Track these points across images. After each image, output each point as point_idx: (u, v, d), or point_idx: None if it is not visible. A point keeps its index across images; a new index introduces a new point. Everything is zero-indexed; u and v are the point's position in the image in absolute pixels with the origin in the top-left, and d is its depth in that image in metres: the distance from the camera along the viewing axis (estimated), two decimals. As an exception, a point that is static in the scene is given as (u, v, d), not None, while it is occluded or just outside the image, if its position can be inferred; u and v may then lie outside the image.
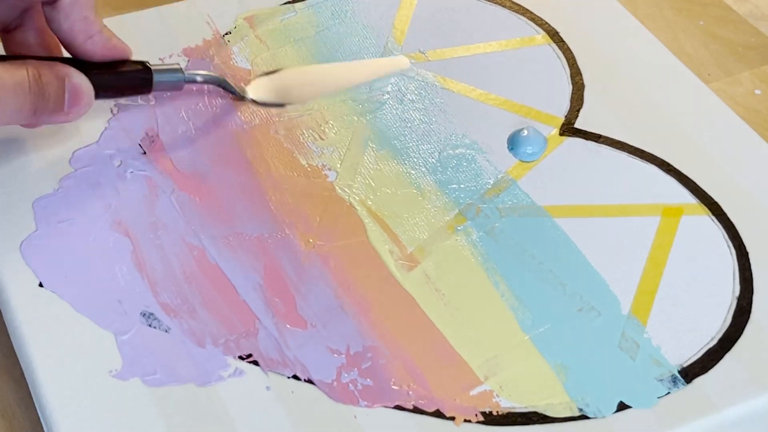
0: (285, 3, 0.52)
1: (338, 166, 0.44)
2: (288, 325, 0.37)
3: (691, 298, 0.40)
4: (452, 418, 0.35)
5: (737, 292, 0.40)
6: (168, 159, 0.43)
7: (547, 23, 0.52)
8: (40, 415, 0.36)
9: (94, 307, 0.38)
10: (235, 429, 0.34)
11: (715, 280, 0.40)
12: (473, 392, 0.36)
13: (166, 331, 0.37)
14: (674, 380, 0.37)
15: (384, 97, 0.47)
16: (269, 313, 0.38)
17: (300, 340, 0.37)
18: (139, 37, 0.49)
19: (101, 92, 0.41)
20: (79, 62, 0.40)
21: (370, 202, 0.42)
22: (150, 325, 0.37)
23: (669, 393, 0.36)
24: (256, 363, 0.36)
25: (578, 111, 0.47)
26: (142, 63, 0.42)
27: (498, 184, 0.44)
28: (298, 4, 0.52)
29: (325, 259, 0.40)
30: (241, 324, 0.37)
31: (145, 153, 0.44)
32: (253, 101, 0.45)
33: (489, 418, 0.35)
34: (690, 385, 0.37)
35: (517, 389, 0.36)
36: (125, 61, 0.42)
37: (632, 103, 0.48)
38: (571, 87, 0.49)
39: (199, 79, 0.44)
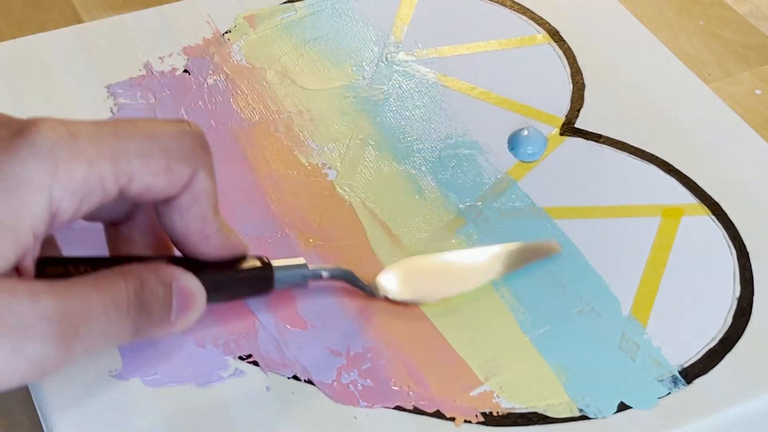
0: (285, 2, 0.52)
1: (338, 164, 0.44)
2: (288, 326, 0.37)
3: (692, 298, 0.40)
4: (452, 419, 0.35)
5: (738, 293, 0.40)
6: (168, 158, 0.43)
7: (547, 22, 0.52)
8: (40, 415, 0.35)
9: (94, 307, 0.38)
10: (234, 429, 0.34)
11: (715, 281, 0.40)
12: (473, 393, 0.36)
13: (166, 332, 0.37)
14: (675, 381, 0.37)
15: (384, 95, 0.47)
16: (269, 313, 0.38)
17: (300, 341, 0.37)
18: (139, 37, 0.49)
19: (214, 294, 0.34)
20: (187, 261, 0.34)
21: (369, 202, 0.42)
22: (150, 325, 0.37)
23: (669, 393, 0.36)
24: (256, 363, 0.36)
25: (579, 111, 0.47)
26: (261, 259, 0.36)
27: (498, 185, 0.44)
28: (297, 3, 0.52)
29: (325, 260, 0.40)
30: (241, 324, 0.37)
31: (144, 152, 0.44)
32: (386, 299, 0.39)
33: (489, 419, 0.35)
34: (690, 386, 0.36)
35: (517, 390, 0.36)
36: (241, 258, 0.35)
37: (633, 102, 0.48)
38: (571, 86, 0.49)
39: (324, 274, 0.37)
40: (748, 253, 0.41)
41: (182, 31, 0.50)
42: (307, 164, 0.44)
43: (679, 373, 0.37)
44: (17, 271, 0.29)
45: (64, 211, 0.29)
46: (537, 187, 0.44)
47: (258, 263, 0.35)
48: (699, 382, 0.37)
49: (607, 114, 0.47)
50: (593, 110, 0.47)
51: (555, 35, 0.52)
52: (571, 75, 0.49)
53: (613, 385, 0.36)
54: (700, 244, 0.42)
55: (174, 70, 0.48)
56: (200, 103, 0.46)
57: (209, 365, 0.36)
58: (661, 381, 0.37)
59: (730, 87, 0.52)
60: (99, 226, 0.36)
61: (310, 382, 0.36)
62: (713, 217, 0.43)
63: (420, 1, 0.53)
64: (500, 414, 0.35)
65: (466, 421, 0.35)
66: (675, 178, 0.45)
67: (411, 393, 0.36)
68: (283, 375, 0.36)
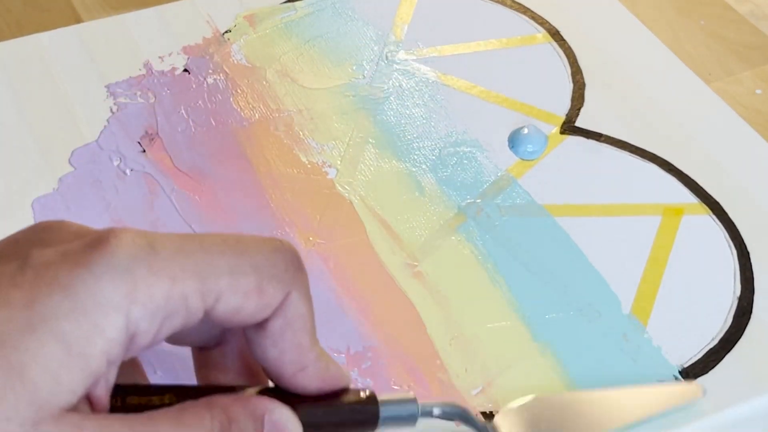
0: (285, 1, 0.52)
1: (338, 162, 0.44)
2: (288, 325, 0.37)
3: (692, 298, 0.39)
4: (452, 419, 0.35)
5: (738, 293, 0.40)
6: (167, 157, 0.43)
7: (547, 22, 0.52)
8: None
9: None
10: (234, 429, 0.34)
11: (716, 280, 0.40)
12: (473, 392, 0.36)
13: (166, 331, 0.37)
14: (675, 380, 0.37)
15: (384, 94, 0.47)
16: (269, 312, 0.38)
17: (300, 340, 0.37)
18: (138, 37, 0.49)
19: (311, 431, 0.30)
20: (282, 392, 0.30)
21: (370, 200, 0.42)
22: (149, 325, 0.37)
23: (670, 393, 0.36)
24: (255, 362, 0.36)
25: (579, 109, 0.47)
26: (365, 392, 0.31)
27: (498, 183, 0.44)
28: (297, 3, 0.52)
29: (325, 258, 0.40)
30: (241, 323, 0.37)
31: (144, 151, 0.44)
32: None
33: (489, 418, 0.35)
34: (691, 386, 0.36)
35: (517, 389, 0.36)
36: (344, 391, 0.31)
37: (633, 102, 0.48)
38: (571, 85, 0.49)
39: (436, 411, 0.32)
40: (748, 253, 0.41)
41: (182, 30, 0.50)
42: (307, 163, 0.44)
43: (680, 372, 0.37)
44: (89, 401, 0.26)
45: (143, 333, 0.26)
46: (537, 186, 0.43)
47: (363, 397, 0.31)
48: (700, 381, 0.37)
49: (608, 113, 0.47)
50: (593, 109, 0.47)
51: (555, 34, 0.51)
52: (572, 74, 0.49)
53: (613, 384, 0.36)
54: (701, 244, 0.42)
55: (174, 69, 0.48)
56: (200, 102, 0.46)
57: (209, 364, 0.36)
58: (662, 381, 0.37)
59: (730, 87, 0.52)
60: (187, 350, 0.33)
61: (309, 381, 0.36)
62: (714, 216, 0.43)
63: (420, 0, 0.53)
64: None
65: (466, 421, 0.35)
66: (675, 177, 0.44)
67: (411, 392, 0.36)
68: (283, 374, 0.36)
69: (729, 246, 0.42)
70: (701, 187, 0.44)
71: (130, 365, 0.30)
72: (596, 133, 0.46)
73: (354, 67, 0.49)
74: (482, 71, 0.49)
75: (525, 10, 0.53)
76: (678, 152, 0.45)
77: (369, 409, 0.31)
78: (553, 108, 0.47)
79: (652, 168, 0.45)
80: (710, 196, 0.44)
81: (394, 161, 0.44)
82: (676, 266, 0.41)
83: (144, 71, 0.47)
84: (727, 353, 0.38)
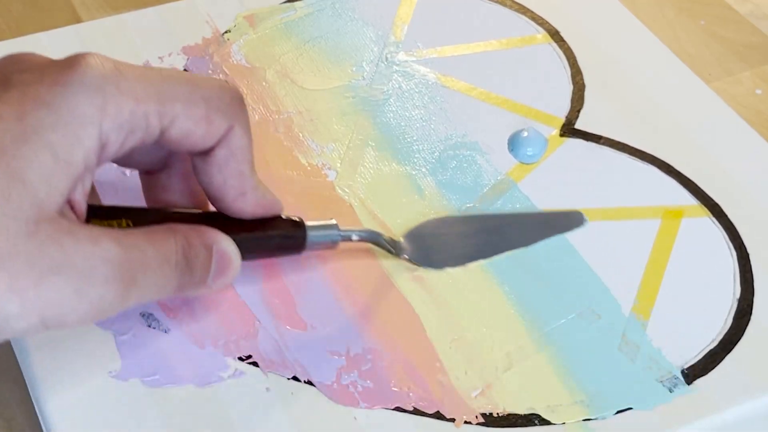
0: (284, 2, 0.52)
1: (338, 165, 0.44)
2: (288, 327, 0.37)
3: (692, 299, 0.39)
4: (452, 420, 0.35)
5: (738, 294, 0.40)
6: (167, 158, 0.43)
7: (547, 22, 0.52)
8: (39, 415, 0.35)
9: (94, 307, 0.38)
10: (234, 429, 0.34)
11: (715, 282, 0.40)
12: (473, 394, 0.36)
13: (166, 332, 0.37)
14: (675, 381, 0.37)
15: (384, 96, 0.47)
16: (269, 314, 0.38)
17: (300, 342, 0.37)
18: (138, 37, 0.49)
19: (247, 254, 0.35)
20: (221, 216, 0.35)
21: (369, 202, 0.42)
22: (149, 326, 0.37)
23: (670, 394, 0.36)
24: (255, 364, 0.36)
25: (579, 111, 0.47)
26: (294, 220, 0.37)
27: (498, 186, 0.44)
28: (297, 3, 0.52)
29: (325, 261, 0.40)
30: (241, 325, 0.37)
31: (144, 152, 0.44)
32: (408, 260, 0.40)
33: (489, 420, 0.35)
34: (691, 387, 0.36)
35: (517, 391, 0.36)
36: (275, 218, 0.36)
37: (633, 103, 0.48)
38: (571, 87, 0.49)
39: (354, 237, 0.39)
40: (748, 254, 0.41)
41: (182, 30, 0.50)
42: (307, 165, 0.44)
43: (680, 373, 0.37)
44: (70, 206, 0.30)
45: (112, 143, 0.30)
46: (537, 189, 0.43)
47: (292, 224, 0.37)
48: (699, 382, 0.37)
49: (608, 115, 0.47)
50: (593, 111, 0.47)
51: (555, 35, 0.51)
52: (572, 75, 0.49)
53: (613, 386, 0.36)
54: (701, 246, 0.42)
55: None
56: (200, 103, 0.46)
57: (209, 366, 0.36)
58: (662, 382, 0.37)
59: (730, 87, 0.52)
60: (132, 183, 0.38)
61: (309, 383, 0.36)
62: (713, 218, 0.43)
63: (420, 0, 0.53)
64: (500, 415, 0.35)
65: (466, 422, 0.35)
66: (675, 179, 0.44)
67: (411, 394, 0.36)
68: (283, 376, 0.36)
69: (729, 248, 0.42)
70: (701, 189, 0.44)
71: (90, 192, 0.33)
72: (596, 135, 0.46)
73: (354, 68, 0.49)
74: (482, 72, 0.49)
75: (525, 11, 0.53)
76: (678, 154, 0.45)
77: (298, 233, 0.37)
78: (553, 110, 0.47)
79: (651, 170, 0.45)
80: (710, 197, 0.44)
81: (393, 164, 0.44)
82: (676, 268, 0.41)
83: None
84: (727, 354, 0.38)
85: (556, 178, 0.44)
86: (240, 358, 0.36)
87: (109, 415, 0.35)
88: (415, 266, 0.40)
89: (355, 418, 0.35)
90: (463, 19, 0.52)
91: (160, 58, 0.48)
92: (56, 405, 0.35)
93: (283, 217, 0.36)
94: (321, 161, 0.44)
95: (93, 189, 0.35)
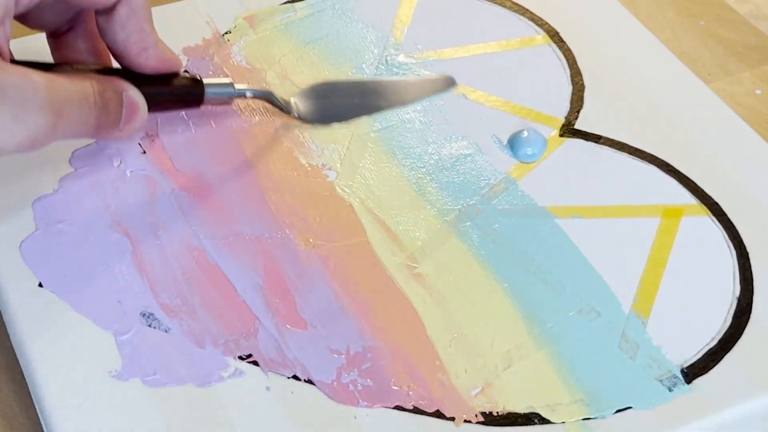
0: (285, 2, 0.52)
1: (338, 165, 0.44)
2: (288, 326, 0.37)
3: (692, 298, 0.40)
4: (452, 419, 0.35)
5: (737, 293, 0.40)
6: (168, 159, 0.43)
7: (547, 23, 0.52)
8: (39, 415, 0.35)
9: (94, 307, 0.38)
10: (234, 429, 0.34)
11: (715, 281, 0.40)
12: (473, 392, 0.36)
13: (166, 332, 0.37)
14: (675, 380, 0.37)
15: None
16: (269, 313, 0.38)
17: (300, 341, 0.37)
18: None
19: (152, 106, 0.39)
20: (129, 73, 0.39)
21: (369, 202, 0.42)
22: (150, 326, 0.37)
23: (669, 393, 0.36)
24: (255, 363, 0.36)
25: (578, 112, 0.47)
26: (193, 77, 0.42)
27: (498, 186, 0.44)
28: (297, 4, 0.52)
29: (325, 260, 0.40)
30: (241, 324, 0.37)
31: (145, 152, 0.44)
32: (299, 118, 0.45)
33: (489, 419, 0.35)
34: (690, 386, 0.36)
35: (517, 390, 0.36)
36: (176, 75, 0.41)
37: (632, 103, 0.48)
38: (571, 87, 0.49)
39: (248, 94, 0.43)
40: (747, 253, 0.41)
41: (182, 31, 0.50)
42: (307, 165, 0.44)
43: (680, 372, 0.37)
44: None
45: None
46: (537, 188, 0.44)
47: (191, 80, 0.41)
48: (699, 381, 0.37)
49: (607, 115, 0.47)
50: (593, 111, 0.47)
51: (555, 36, 0.52)
52: (571, 76, 0.49)
53: (613, 384, 0.36)
54: (700, 244, 0.42)
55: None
56: (200, 103, 0.46)
57: (209, 365, 0.36)
58: (661, 381, 0.37)
59: (730, 87, 0.52)
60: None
61: (310, 382, 0.36)
62: (713, 217, 0.43)
63: (420, 2, 0.53)
64: (500, 414, 0.35)
65: (465, 421, 0.35)
66: (675, 178, 0.45)
67: (411, 393, 0.36)
68: (283, 375, 0.36)
69: (728, 246, 0.42)
70: (701, 188, 0.44)
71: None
72: (595, 135, 0.46)
73: (354, 70, 0.49)
74: (482, 74, 0.49)
75: (524, 12, 0.53)
76: (677, 153, 0.46)
77: (196, 88, 0.41)
78: (553, 110, 0.47)
79: (651, 169, 0.45)
80: (710, 196, 0.44)
81: (393, 164, 0.44)
82: (675, 267, 0.41)
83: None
84: (726, 353, 0.38)
85: (556, 177, 0.44)
86: (240, 358, 0.37)
87: (109, 415, 0.35)
88: (314, 128, 0.44)
89: (355, 417, 0.35)
90: (462, 21, 0.52)
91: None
92: (57, 404, 0.35)
93: (183, 75, 0.41)
94: (321, 162, 0.44)
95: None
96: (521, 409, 0.36)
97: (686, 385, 0.37)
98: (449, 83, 0.47)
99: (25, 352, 0.36)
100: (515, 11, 0.53)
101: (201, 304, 0.38)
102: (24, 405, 0.38)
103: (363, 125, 0.46)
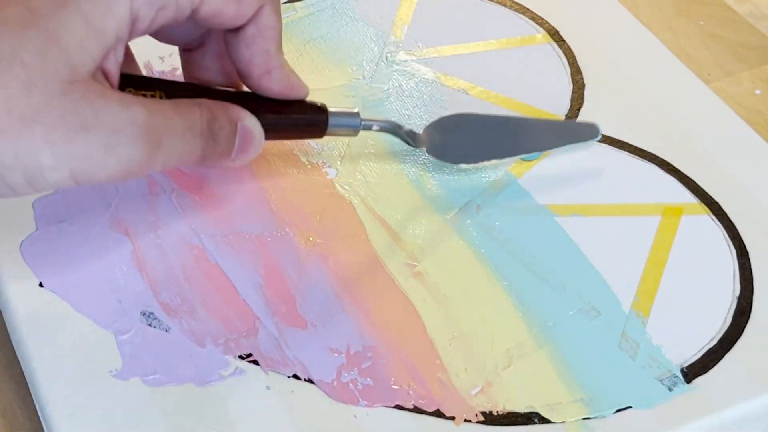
0: (285, 2, 0.52)
1: (338, 163, 0.44)
2: (288, 325, 0.37)
3: (692, 297, 0.40)
4: (452, 418, 0.35)
5: (737, 292, 0.40)
6: (168, 158, 0.43)
7: (547, 22, 0.52)
8: (40, 415, 0.35)
9: (94, 306, 0.38)
10: (235, 429, 0.34)
11: (715, 280, 0.40)
12: (473, 392, 0.36)
13: (166, 331, 0.37)
14: (674, 380, 0.37)
15: (384, 95, 0.47)
16: (269, 312, 0.38)
17: (300, 340, 0.37)
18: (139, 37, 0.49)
19: (271, 133, 0.38)
20: (251, 96, 0.38)
21: (370, 200, 0.42)
22: (150, 325, 0.37)
23: (669, 393, 0.36)
24: (256, 362, 0.36)
25: (578, 110, 0.47)
26: (318, 105, 0.40)
27: (498, 183, 0.44)
28: (297, 3, 0.52)
29: (325, 258, 0.40)
30: (241, 323, 0.37)
31: (145, 152, 0.44)
32: (426, 152, 0.43)
33: (489, 418, 0.35)
34: (690, 385, 0.37)
35: (517, 389, 0.36)
36: (300, 102, 0.39)
37: (632, 102, 0.48)
38: (571, 86, 0.49)
39: (375, 127, 0.41)
40: (747, 253, 0.41)
41: (182, 30, 0.50)
42: (307, 163, 0.44)
43: (679, 372, 0.37)
44: (104, 74, 0.32)
45: (143, 18, 0.33)
46: (537, 186, 0.44)
47: (315, 108, 0.39)
48: (699, 381, 0.37)
49: (607, 113, 0.47)
50: (593, 110, 0.47)
51: (555, 35, 0.52)
52: (571, 74, 0.49)
53: (613, 384, 0.36)
54: (700, 244, 0.42)
55: (174, 69, 0.48)
56: (200, 102, 0.46)
57: (209, 364, 0.36)
58: (661, 380, 0.37)
59: (730, 87, 0.52)
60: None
61: (310, 381, 0.36)
62: (713, 216, 0.43)
63: (420, 0, 0.53)
64: (500, 413, 0.35)
65: (466, 420, 0.35)
66: (675, 177, 0.45)
67: (411, 392, 0.36)
68: (283, 374, 0.36)
69: (728, 246, 0.42)
70: (700, 187, 0.44)
71: (129, 61, 0.37)
72: (596, 133, 0.46)
73: (354, 68, 0.49)
74: (482, 72, 0.49)
75: (524, 11, 0.53)
76: (677, 152, 0.46)
77: (320, 115, 0.39)
78: (553, 108, 0.47)
79: (651, 168, 0.45)
80: (709, 196, 0.44)
81: (394, 161, 0.44)
82: (675, 266, 0.41)
83: (145, 71, 0.47)
84: (726, 353, 0.38)
85: (557, 175, 0.44)
86: (240, 357, 0.37)
87: (109, 415, 0.35)
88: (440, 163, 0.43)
89: (355, 416, 0.35)
90: (463, 19, 0.52)
91: (161, 58, 0.48)
92: (57, 404, 0.35)
93: (308, 101, 0.39)
94: (321, 160, 0.44)
95: (133, 60, 0.38)
96: (521, 408, 0.36)
97: (686, 384, 0.37)
98: (593, 133, 0.43)
99: (25, 352, 0.36)
100: (515, 10, 0.53)
101: (201, 303, 0.38)
102: (24, 405, 0.38)
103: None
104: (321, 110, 0.39)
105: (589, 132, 0.44)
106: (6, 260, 0.39)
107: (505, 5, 0.53)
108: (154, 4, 0.33)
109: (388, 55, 0.50)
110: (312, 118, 0.39)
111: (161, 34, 0.38)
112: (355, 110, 0.40)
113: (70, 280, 0.38)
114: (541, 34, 0.52)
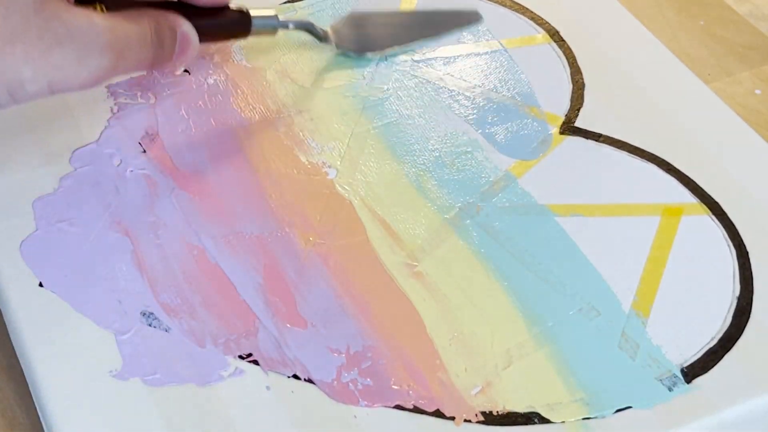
0: (285, 2, 0.52)
1: (338, 163, 0.44)
2: (288, 325, 0.37)
3: (692, 297, 0.40)
4: (452, 418, 0.35)
5: (737, 292, 0.40)
6: (168, 158, 0.43)
7: (547, 22, 0.52)
8: (40, 415, 0.35)
9: (94, 307, 0.38)
10: (235, 429, 0.34)
11: (715, 280, 0.40)
12: (473, 392, 0.36)
13: (166, 331, 0.37)
14: (674, 380, 0.37)
15: (384, 95, 0.47)
16: (269, 312, 0.38)
17: (300, 340, 0.37)
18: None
19: (203, 37, 0.42)
20: (181, 6, 0.42)
21: (370, 200, 0.42)
22: (150, 325, 0.37)
23: (669, 393, 0.36)
24: (256, 362, 0.36)
25: (578, 110, 0.47)
26: (241, 9, 0.44)
27: (498, 182, 0.44)
28: (298, 3, 0.52)
29: (325, 258, 0.40)
30: (241, 323, 0.37)
31: (145, 152, 0.44)
32: (337, 47, 0.48)
33: (489, 418, 0.35)
34: (690, 385, 0.37)
35: (517, 389, 0.36)
36: (225, 8, 0.44)
37: (632, 102, 0.48)
38: (571, 86, 0.49)
39: (290, 25, 0.47)
40: (747, 253, 0.41)
41: (182, 30, 0.50)
42: (307, 163, 0.44)
43: (679, 372, 0.37)
44: None
45: None
46: (537, 186, 0.44)
47: (239, 12, 0.44)
48: (699, 381, 0.37)
49: (607, 113, 0.47)
50: (593, 109, 0.47)
51: (555, 35, 0.52)
52: (571, 74, 0.49)
53: (613, 384, 0.36)
54: (700, 244, 0.42)
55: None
56: (200, 102, 0.46)
57: (209, 365, 0.36)
58: (661, 380, 0.37)
59: (730, 87, 0.52)
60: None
61: (310, 381, 0.36)
62: (713, 216, 0.43)
63: (420, 0, 0.53)
64: (500, 413, 0.35)
65: (465, 421, 0.35)
66: (675, 177, 0.45)
67: (411, 392, 0.36)
68: (283, 374, 0.36)
69: (728, 246, 0.42)
70: (700, 187, 0.44)
71: None
72: (595, 133, 0.46)
73: (354, 68, 0.49)
74: (482, 71, 0.49)
75: (524, 11, 0.53)
76: (677, 152, 0.46)
77: (244, 19, 0.44)
78: (553, 108, 0.47)
79: (651, 168, 0.45)
80: (709, 196, 0.44)
81: (394, 162, 0.44)
82: (675, 266, 0.41)
83: (145, 72, 0.47)
84: (726, 353, 0.38)
85: (556, 175, 0.44)
86: (240, 357, 0.37)
87: (110, 415, 0.35)
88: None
89: (355, 417, 0.35)
90: (462, 19, 0.52)
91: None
92: (57, 404, 0.35)
93: (232, 7, 0.44)
94: (321, 160, 0.44)
95: None
96: (521, 408, 0.36)
97: (686, 384, 0.37)
98: (476, 17, 0.51)
99: (26, 352, 0.36)
100: (515, 10, 0.53)
101: (201, 304, 0.38)
102: (24, 405, 0.38)
103: (363, 122, 0.46)
104: (244, 13, 0.44)
105: (473, 17, 0.51)
106: (6, 260, 0.39)
107: (505, 5, 0.53)
108: None
109: (388, 55, 0.50)
110: (237, 20, 0.44)
111: None
112: (273, 12, 0.46)
113: (70, 280, 0.38)
114: (541, 35, 0.52)
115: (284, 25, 0.47)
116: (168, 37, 0.40)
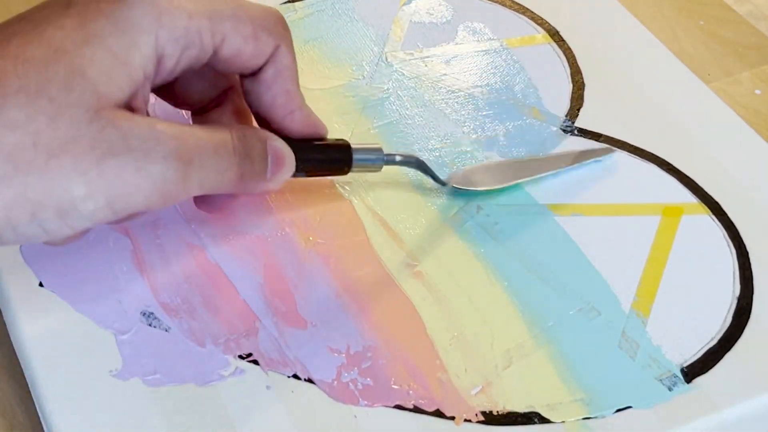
0: (285, 2, 0.52)
1: (338, 165, 0.44)
2: (288, 325, 0.37)
3: (692, 297, 0.40)
4: (452, 418, 0.35)
5: (737, 292, 0.40)
6: (168, 158, 0.43)
7: (547, 22, 0.52)
8: (40, 415, 0.35)
9: (94, 306, 0.38)
10: (235, 429, 0.34)
11: (715, 280, 0.40)
12: (473, 392, 0.36)
13: (166, 331, 0.37)
14: (674, 380, 0.37)
15: (384, 95, 0.47)
16: (269, 312, 0.38)
17: (300, 340, 0.37)
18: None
19: (299, 165, 0.37)
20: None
21: (369, 200, 0.42)
22: (150, 325, 0.37)
23: (669, 393, 0.36)
24: (256, 362, 0.36)
25: (578, 110, 0.47)
26: (342, 143, 0.39)
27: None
28: (297, 3, 0.52)
29: (325, 258, 0.40)
30: (241, 323, 0.37)
31: (145, 152, 0.44)
32: (454, 186, 0.42)
33: (489, 418, 0.35)
34: (690, 385, 0.37)
35: (517, 389, 0.36)
36: (322, 139, 0.39)
37: (632, 102, 0.48)
38: (571, 86, 0.49)
39: (398, 159, 0.41)
40: (747, 253, 0.41)
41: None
42: (307, 164, 0.44)
43: (680, 372, 0.37)
44: (131, 110, 0.32)
45: (168, 57, 0.33)
46: (537, 185, 0.44)
47: (339, 144, 0.39)
48: (699, 381, 0.37)
49: (607, 113, 0.47)
50: (593, 109, 0.48)
51: (555, 35, 0.52)
52: (571, 74, 0.49)
53: (613, 384, 0.36)
54: (700, 244, 0.42)
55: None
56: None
57: (209, 364, 0.36)
58: (661, 380, 0.37)
59: (730, 87, 0.52)
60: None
61: (310, 381, 0.36)
62: (713, 216, 0.43)
63: (420, 0, 0.53)
64: (500, 413, 0.35)
65: (466, 420, 0.35)
66: (675, 177, 0.45)
67: (411, 392, 0.36)
68: (283, 374, 0.36)
69: (728, 246, 0.42)
70: (700, 187, 0.44)
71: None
72: (595, 133, 0.46)
73: (354, 68, 0.49)
74: (482, 71, 0.49)
75: (524, 11, 0.53)
76: (677, 152, 0.46)
77: (345, 153, 0.39)
78: (553, 108, 0.47)
79: (651, 168, 0.45)
80: (709, 195, 0.44)
81: (393, 162, 0.44)
82: (675, 266, 0.41)
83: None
84: (726, 353, 0.38)
85: (557, 175, 0.44)
86: (240, 357, 0.37)
87: (110, 415, 0.35)
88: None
89: (355, 416, 0.35)
90: (462, 19, 0.52)
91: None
92: (57, 404, 0.35)
93: (331, 139, 0.39)
94: (321, 160, 0.44)
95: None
96: (521, 408, 0.36)
97: (686, 384, 0.37)
98: (607, 151, 0.45)
99: (26, 351, 0.36)
100: (515, 10, 0.53)
101: (201, 303, 0.38)
102: (24, 405, 0.38)
103: (363, 122, 0.46)
104: (345, 148, 0.39)
105: (604, 152, 0.45)
106: (6, 260, 0.39)
107: (505, 5, 0.53)
108: (179, 42, 0.33)
109: (388, 55, 0.50)
110: (337, 155, 0.39)
111: (178, 90, 0.37)
112: (378, 145, 0.40)
113: (70, 280, 0.38)
114: (541, 34, 0.52)
115: (390, 161, 0.41)
116: (257, 148, 0.35)
